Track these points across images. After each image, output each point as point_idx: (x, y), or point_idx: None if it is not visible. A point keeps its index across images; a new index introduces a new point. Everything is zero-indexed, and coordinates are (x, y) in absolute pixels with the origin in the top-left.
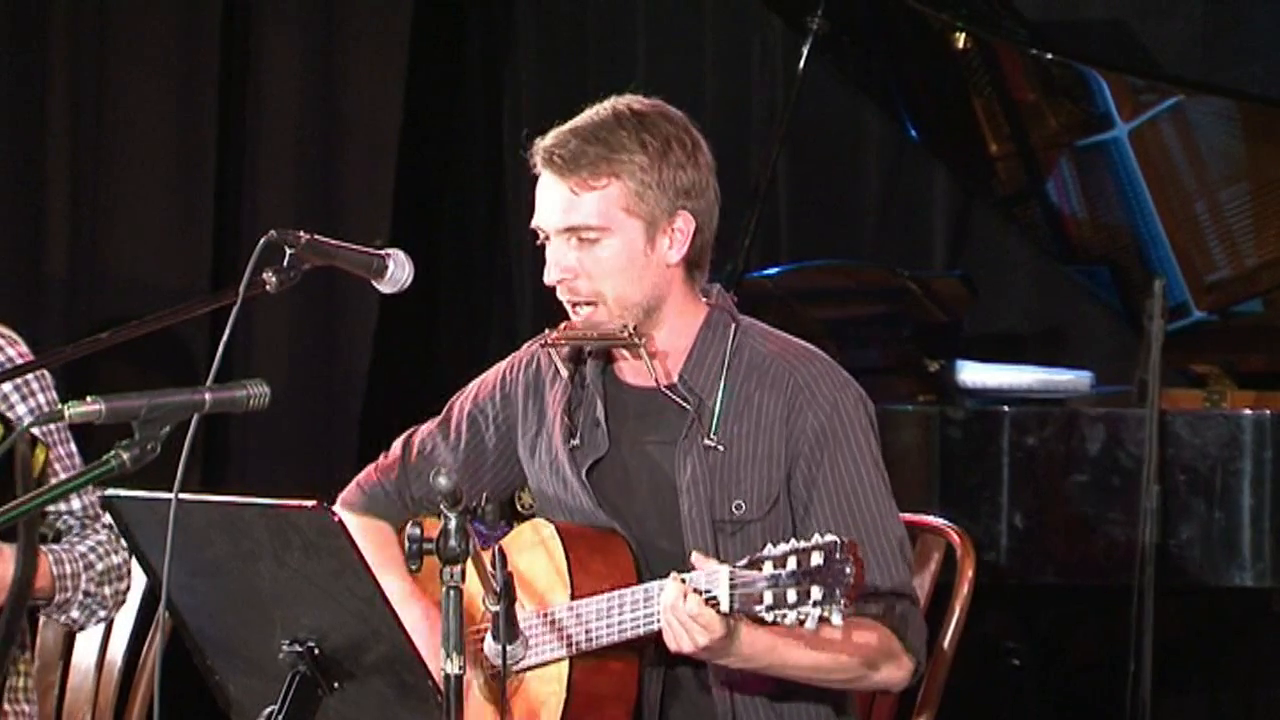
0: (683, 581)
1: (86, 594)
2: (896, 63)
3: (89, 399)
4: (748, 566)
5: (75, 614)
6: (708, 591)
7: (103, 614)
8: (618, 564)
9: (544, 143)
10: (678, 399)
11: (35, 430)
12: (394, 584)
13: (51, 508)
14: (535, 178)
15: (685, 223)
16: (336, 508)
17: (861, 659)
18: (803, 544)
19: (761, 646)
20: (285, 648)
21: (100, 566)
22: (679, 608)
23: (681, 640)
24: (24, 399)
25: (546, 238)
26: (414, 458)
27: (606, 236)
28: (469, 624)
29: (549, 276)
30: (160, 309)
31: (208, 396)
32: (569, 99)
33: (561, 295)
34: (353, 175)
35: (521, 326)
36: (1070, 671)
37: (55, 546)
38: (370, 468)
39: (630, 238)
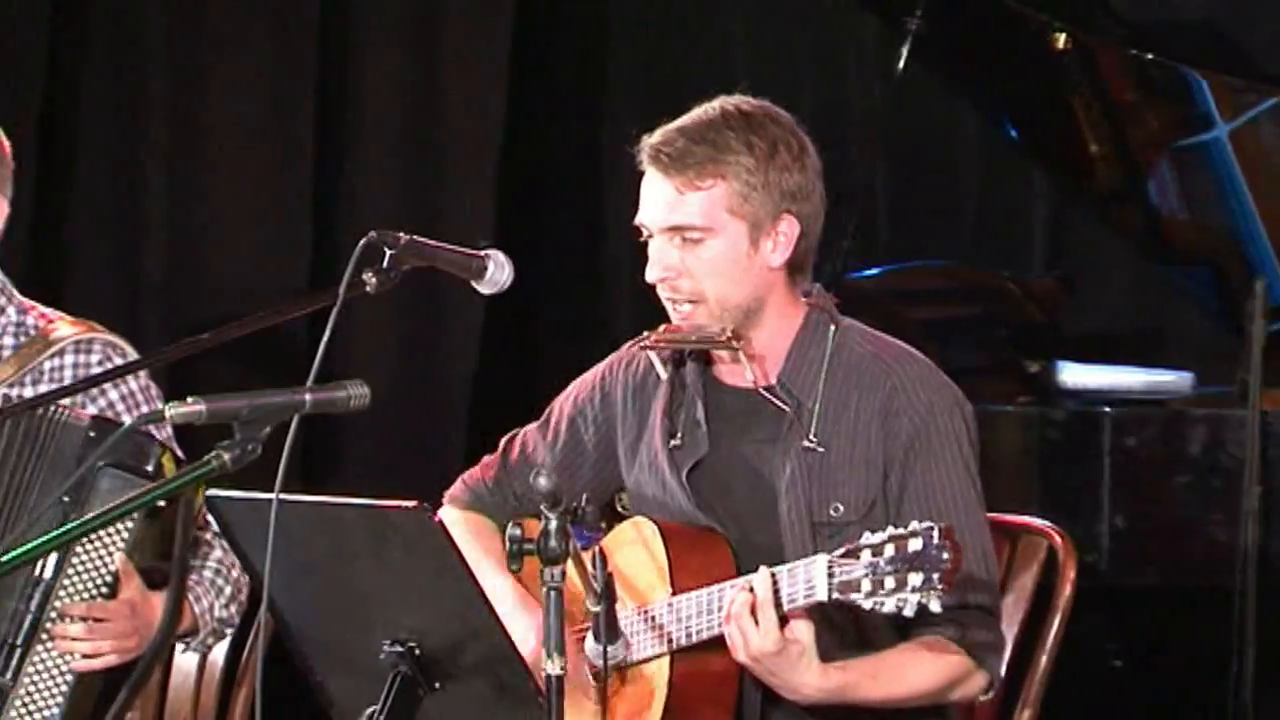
0: (772, 574)
1: (220, 620)
2: (995, 63)
3: (190, 400)
4: (845, 555)
5: (210, 640)
6: (807, 581)
7: (229, 632)
8: (718, 561)
9: (651, 140)
10: (776, 400)
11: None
12: (496, 580)
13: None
14: (637, 177)
15: (789, 226)
16: (443, 503)
17: (935, 685)
18: (900, 530)
19: (833, 685)
20: (386, 648)
21: (229, 590)
22: (747, 610)
23: (735, 640)
24: (129, 410)
25: (649, 235)
26: (515, 457)
27: (710, 237)
28: (570, 624)
29: (651, 274)
30: (260, 310)
31: (308, 397)
32: (666, 101)
33: (662, 294)
34: (454, 175)
35: (620, 327)
36: (1171, 673)
37: (189, 579)
38: (475, 467)
39: (734, 239)
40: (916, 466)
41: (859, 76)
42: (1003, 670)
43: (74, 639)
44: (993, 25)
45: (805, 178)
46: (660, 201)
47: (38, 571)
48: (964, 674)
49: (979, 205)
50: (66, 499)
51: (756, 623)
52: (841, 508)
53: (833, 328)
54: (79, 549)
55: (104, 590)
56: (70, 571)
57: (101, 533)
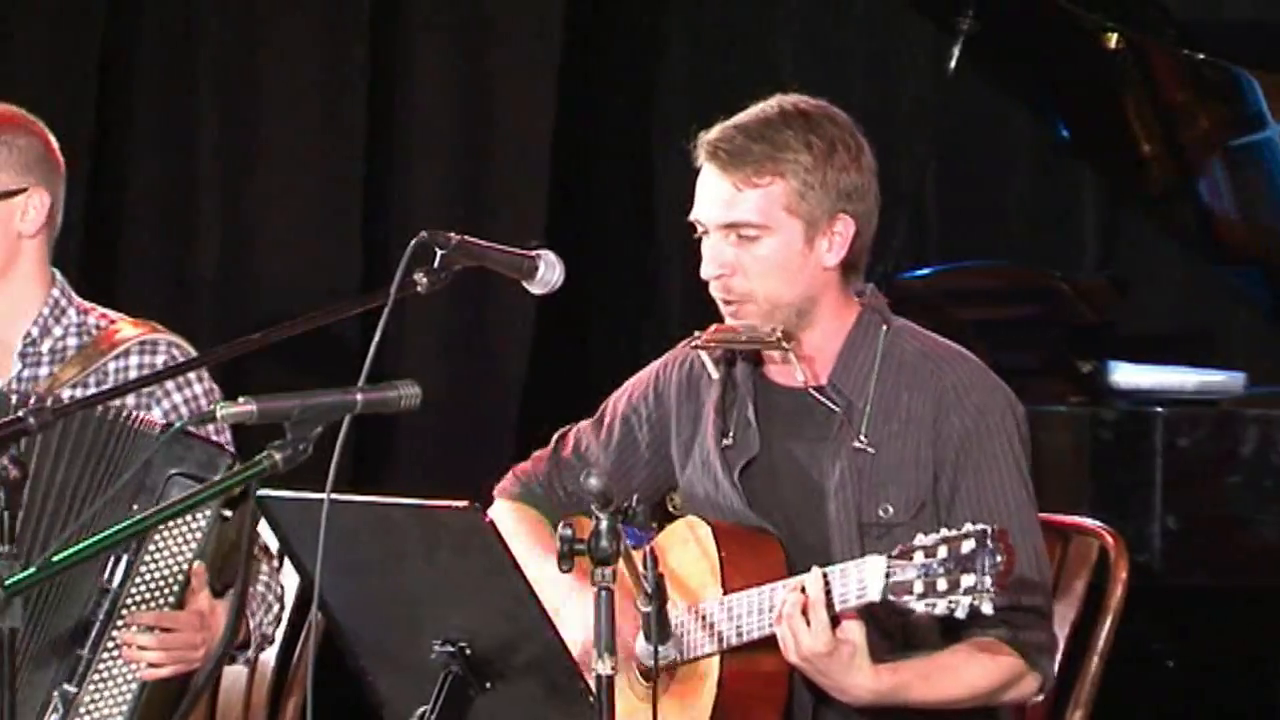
0: (824, 573)
1: (264, 636)
2: (1046, 63)
3: (241, 400)
4: (898, 556)
5: (251, 654)
6: (859, 582)
7: (268, 646)
8: (769, 561)
9: (709, 137)
10: (826, 401)
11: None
12: (548, 568)
13: None
14: (688, 176)
15: (845, 226)
16: (495, 495)
17: (988, 686)
18: (953, 532)
19: (866, 688)
20: (437, 648)
21: (276, 608)
22: (799, 610)
23: (787, 641)
24: (191, 414)
25: (704, 232)
26: (568, 453)
27: (766, 235)
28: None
29: (706, 271)
30: (311, 310)
31: (359, 397)
32: (717, 100)
33: (714, 291)
34: (505, 175)
35: (671, 327)
36: (1223, 673)
37: None
38: (527, 461)
39: (789, 238)
40: (968, 468)
41: (910, 76)
42: (1055, 671)
43: (142, 648)
44: (1044, 25)
45: (862, 178)
46: (717, 198)
47: (105, 580)
48: (1016, 675)
49: (1030, 205)
50: (134, 507)
51: (808, 623)
52: (891, 509)
53: (884, 328)
54: (147, 557)
55: (172, 599)
56: (138, 580)
57: (170, 541)
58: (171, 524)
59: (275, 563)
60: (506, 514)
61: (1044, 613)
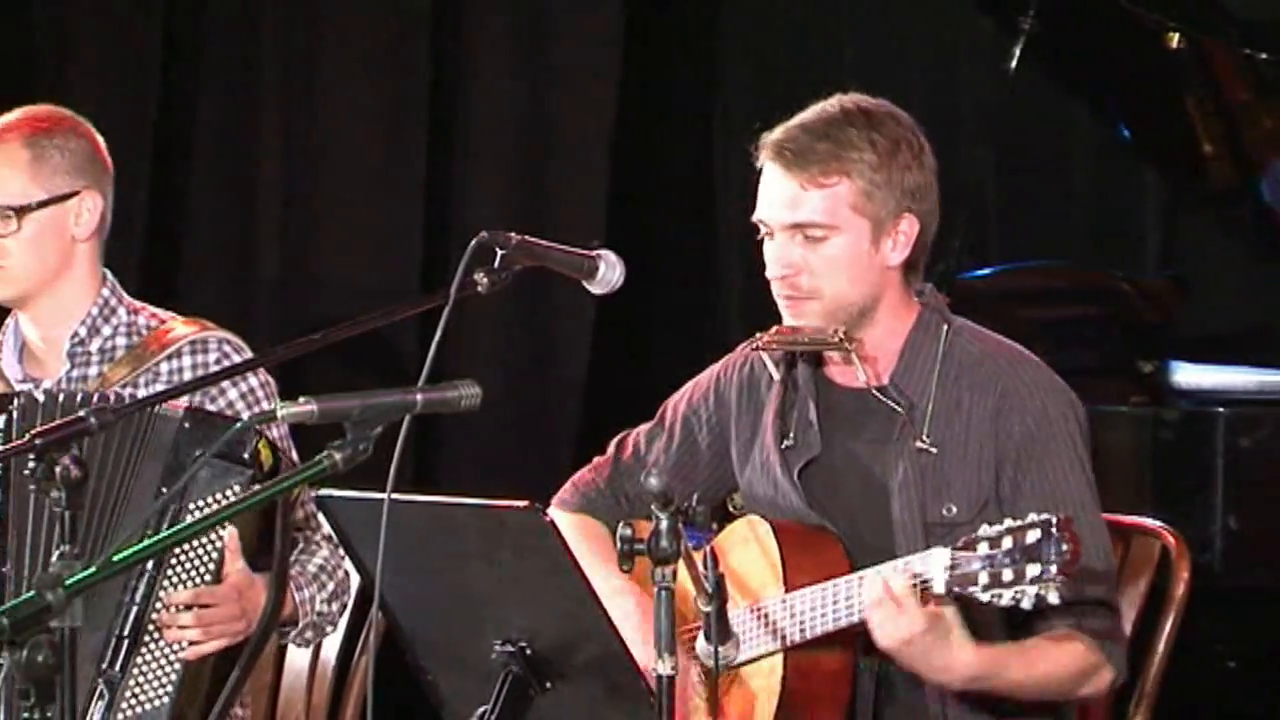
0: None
1: (320, 615)
2: (1108, 63)
3: (301, 400)
4: (963, 547)
5: (310, 634)
6: (922, 575)
7: (329, 630)
8: (831, 559)
9: (772, 137)
10: (889, 401)
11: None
12: (605, 580)
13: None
14: (749, 176)
15: (909, 225)
16: (551, 507)
17: (1065, 676)
18: (1017, 522)
19: (967, 663)
20: (497, 648)
21: (331, 586)
22: (893, 584)
23: (885, 627)
24: (249, 407)
25: (769, 233)
26: (627, 458)
27: (833, 235)
28: (680, 624)
29: (772, 271)
30: (371, 310)
31: (419, 397)
32: (779, 100)
33: (778, 291)
34: (565, 176)
35: (731, 328)
36: None
37: (291, 570)
38: (585, 469)
39: (856, 237)
40: (1030, 467)
41: (972, 76)
42: (1126, 666)
43: (181, 627)
44: (1106, 25)
45: (925, 177)
46: (783, 199)
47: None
48: (1094, 665)
49: (1092, 205)
50: (164, 491)
51: (900, 606)
52: (955, 508)
53: (945, 328)
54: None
55: (208, 577)
56: (173, 561)
57: (197, 513)
58: (202, 502)
59: (336, 546)
60: (568, 527)
61: (1114, 606)
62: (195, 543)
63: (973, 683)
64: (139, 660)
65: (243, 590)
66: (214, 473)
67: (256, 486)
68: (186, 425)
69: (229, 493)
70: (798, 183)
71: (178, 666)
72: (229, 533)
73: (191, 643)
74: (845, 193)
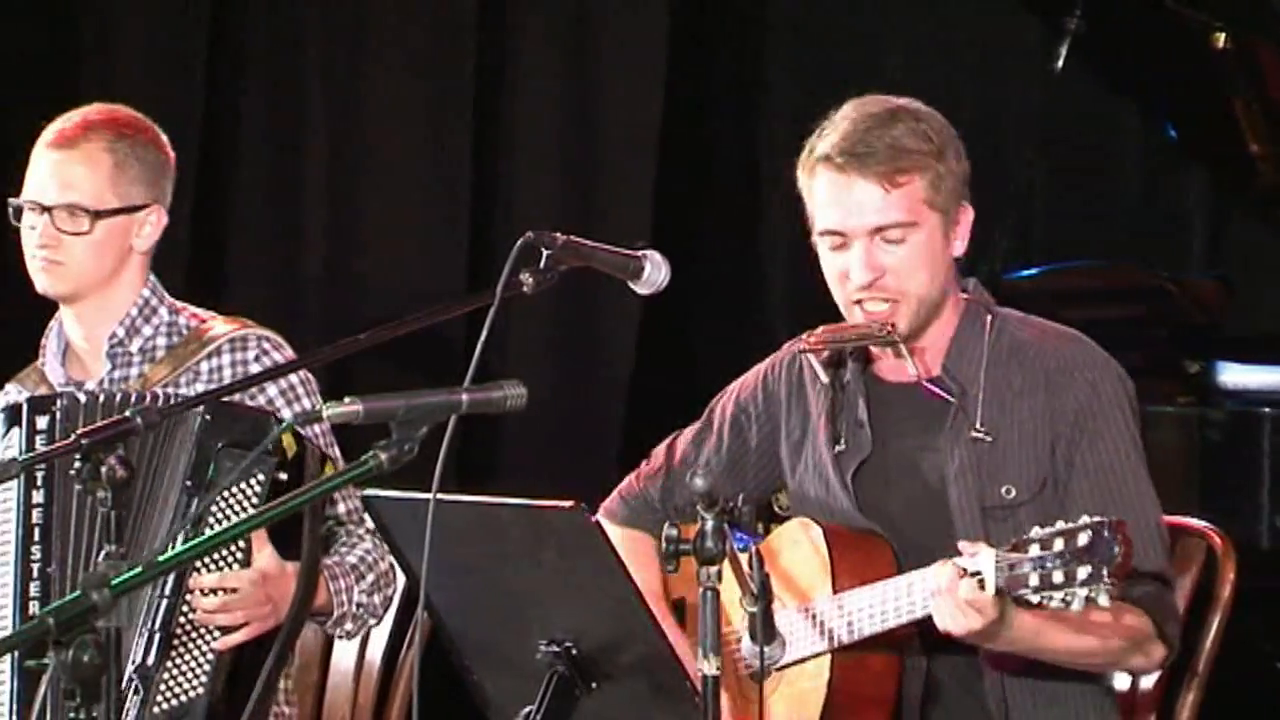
0: (955, 565)
1: (359, 605)
2: (1154, 62)
3: (347, 400)
4: (1014, 549)
5: (349, 625)
6: (976, 574)
7: (373, 622)
8: (879, 561)
9: (827, 148)
10: (941, 392)
11: (305, 434)
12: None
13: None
14: (795, 177)
15: (967, 215)
16: (600, 515)
17: (1120, 644)
18: (1070, 525)
19: (1027, 630)
20: (543, 648)
21: (371, 577)
22: (954, 590)
23: (955, 624)
24: (289, 404)
25: (843, 243)
26: (677, 463)
27: (913, 233)
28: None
29: (859, 279)
30: (417, 310)
31: (465, 397)
32: (824, 101)
33: (856, 297)
34: (610, 176)
35: (776, 327)
36: None
37: (328, 560)
38: (632, 476)
39: (932, 231)
40: (1082, 443)
41: (1018, 76)
42: (1179, 644)
43: (208, 612)
44: (1152, 25)
45: (967, 167)
46: (861, 204)
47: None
48: (1145, 636)
49: (1138, 205)
50: (190, 484)
51: (967, 599)
52: (1014, 490)
53: (990, 318)
54: (207, 527)
55: (236, 566)
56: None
57: (228, 508)
58: (227, 492)
59: (380, 540)
60: (615, 542)
61: (1169, 580)
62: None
63: (1012, 645)
64: (172, 654)
65: (271, 576)
66: (237, 463)
67: (283, 475)
68: (207, 417)
69: (253, 482)
70: (875, 185)
71: (211, 658)
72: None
73: (220, 629)
74: (919, 188)
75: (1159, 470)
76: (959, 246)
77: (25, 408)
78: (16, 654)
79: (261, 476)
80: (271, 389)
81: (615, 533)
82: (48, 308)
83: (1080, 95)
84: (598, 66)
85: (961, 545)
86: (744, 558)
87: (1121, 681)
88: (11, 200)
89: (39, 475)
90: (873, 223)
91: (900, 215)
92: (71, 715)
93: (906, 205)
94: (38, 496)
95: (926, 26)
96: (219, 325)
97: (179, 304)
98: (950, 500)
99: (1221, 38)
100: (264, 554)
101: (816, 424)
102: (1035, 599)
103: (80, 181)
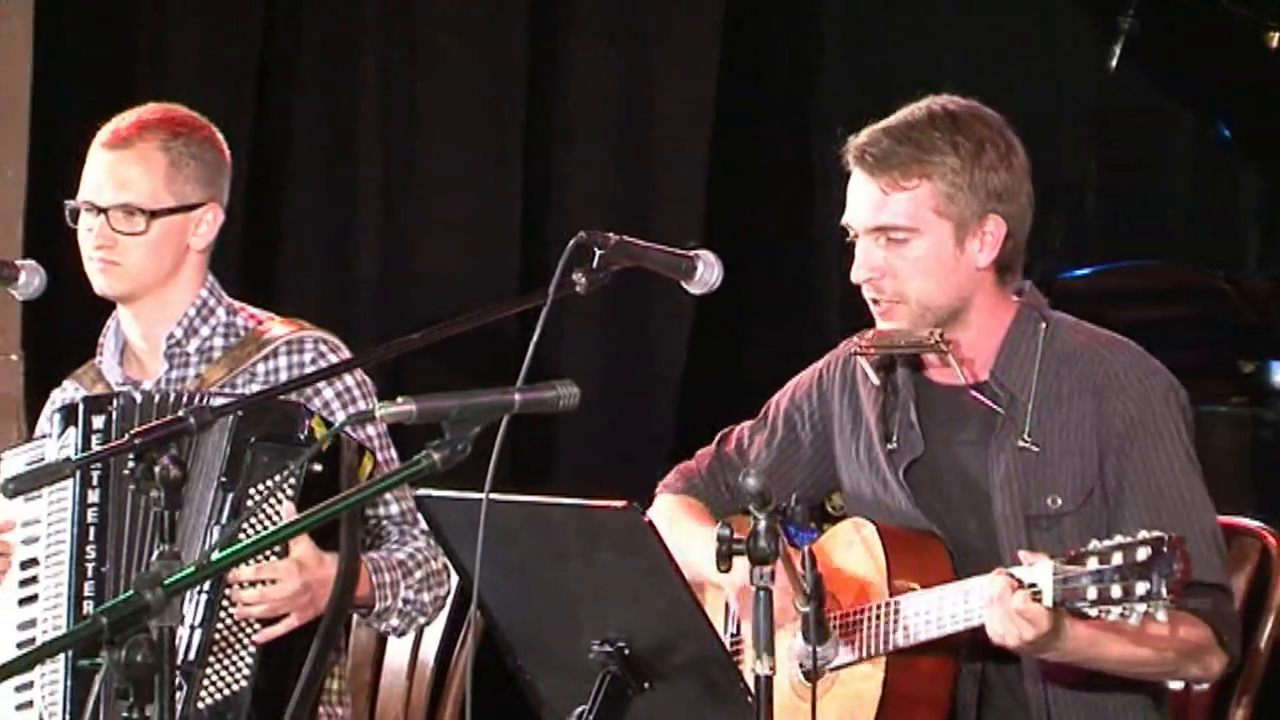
0: (1009, 576)
1: (406, 601)
2: (1208, 62)
3: (400, 400)
4: (1072, 560)
5: (395, 621)
6: (1032, 586)
7: (423, 620)
8: (935, 564)
9: (856, 141)
10: (987, 399)
11: (359, 436)
12: (705, 544)
13: (370, 513)
14: (845, 175)
15: (996, 226)
16: (657, 491)
17: (1178, 654)
18: (1129, 539)
19: (1082, 641)
20: (595, 648)
21: (419, 574)
22: (1006, 601)
23: (1007, 635)
24: (344, 407)
25: (854, 236)
26: (730, 450)
27: (915, 237)
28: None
29: (856, 275)
30: (470, 310)
31: (518, 397)
32: (877, 101)
33: (866, 294)
34: (663, 176)
35: (830, 326)
36: None
37: (374, 554)
38: (690, 459)
39: (939, 239)
40: (1134, 453)
41: (1071, 75)
42: (1239, 652)
43: (247, 604)
44: (1205, 24)
45: (1012, 177)
46: (866, 202)
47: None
48: (1205, 647)
49: (1192, 204)
50: (225, 480)
51: (1018, 610)
52: (1059, 500)
53: (1043, 324)
54: (245, 525)
55: (273, 555)
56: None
57: (262, 500)
58: (262, 485)
59: (432, 540)
60: (673, 505)
61: (1227, 589)
62: (257, 520)
63: (1067, 656)
64: (213, 648)
65: (307, 566)
66: (271, 455)
67: (318, 467)
68: (239, 412)
69: (289, 474)
70: (879, 186)
71: (252, 650)
72: (286, 508)
73: (260, 622)
74: (926, 195)
75: (1212, 471)
76: (984, 257)
77: (81, 407)
78: (70, 653)
79: (296, 469)
80: (328, 391)
81: (671, 499)
82: (106, 304)
83: (1134, 94)
84: (650, 65)
85: (1021, 555)
86: (796, 557)
87: (1173, 686)
88: (68, 202)
89: (95, 475)
90: (870, 222)
91: (899, 219)
92: (124, 715)
93: (909, 210)
94: (93, 496)
95: (980, 26)
96: (276, 327)
97: (237, 304)
98: (994, 508)
99: (1275, 37)
100: (300, 544)
101: (869, 423)
102: (1093, 612)
103: (135, 181)
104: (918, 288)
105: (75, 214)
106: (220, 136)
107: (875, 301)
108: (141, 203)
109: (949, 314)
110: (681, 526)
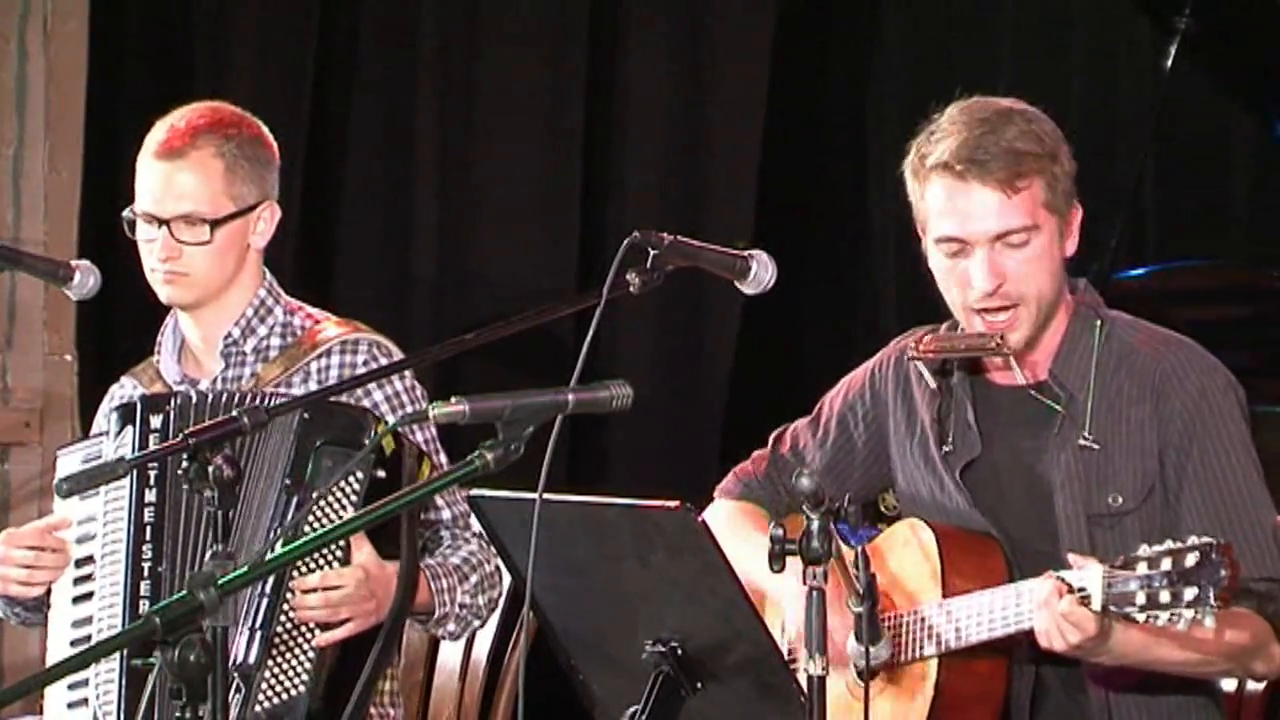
0: (1059, 579)
1: (462, 606)
2: (1263, 60)
3: (454, 400)
4: (1121, 566)
5: (452, 626)
6: (1081, 590)
7: (477, 624)
8: (990, 566)
9: (950, 150)
10: (1047, 399)
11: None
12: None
13: (422, 517)
14: (902, 180)
15: (1077, 215)
16: (715, 495)
17: (1234, 653)
18: (1178, 545)
19: (1134, 645)
20: (649, 648)
21: (475, 578)
22: (1053, 605)
23: (1054, 638)
24: (393, 410)
25: (961, 250)
26: (785, 451)
27: (1034, 236)
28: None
29: (982, 286)
30: (525, 309)
31: (571, 397)
32: (934, 99)
33: (978, 305)
34: (717, 176)
35: (883, 325)
36: None
37: (430, 561)
38: (746, 461)
39: (1051, 234)
40: (1193, 450)
41: (1129, 75)
42: None
43: (311, 609)
44: (1261, 24)
45: (1075, 166)
46: (984, 210)
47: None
48: (1264, 642)
49: (1249, 205)
50: (289, 483)
51: (1065, 613)
52: (1120, 498)
53: (1099, 322)
54: (307, 528)
55: (336, 564)
56: None
57: (328, 507)
58: (328, 490)
59: (486, 542)
60: (732, 512)
61: None
62: (317, 523)
63: (1119, 660)
64: (273, 651)
65: (371, 573)
66: (335, 459)
67: (380, 473)
68: (305, 415)
69: (352, 480)
70: (996, 191)
71: (311, 655)
72: (348, 515)
73: (321, 626)
74: (1039, 192)
75: (1270, 472)
76: (1070, 247)
77: (139, 406)
78: (124, 653)
79: (360, 475)
80: (377, 394)
81: (729, 506)
82: (160, 304)
83: (1191, 94)
84: (705, 66)
85: (1071, 558)
86: (849, 557)
87: (1227, 685)
88: (125, 213)
89: (151, 474)
90: (995, 229)
91: (1022, 220)
92: (178, 715)
93: (1027, 209)
94: (150, 495)
95: (1037, 25)
96: (331, 328)
97: (294, 303)
98: (1056, 507)
99: None
100: (364, 551)
101: (924, 424)
102: (1141, 617)
103: (194, 191)
104: (1038, 286)
105: (132, 224)
106: (266, 130)
107: (992, 310)
108: (203, 212)
109: (1053, 309)
110: (740, 535)
